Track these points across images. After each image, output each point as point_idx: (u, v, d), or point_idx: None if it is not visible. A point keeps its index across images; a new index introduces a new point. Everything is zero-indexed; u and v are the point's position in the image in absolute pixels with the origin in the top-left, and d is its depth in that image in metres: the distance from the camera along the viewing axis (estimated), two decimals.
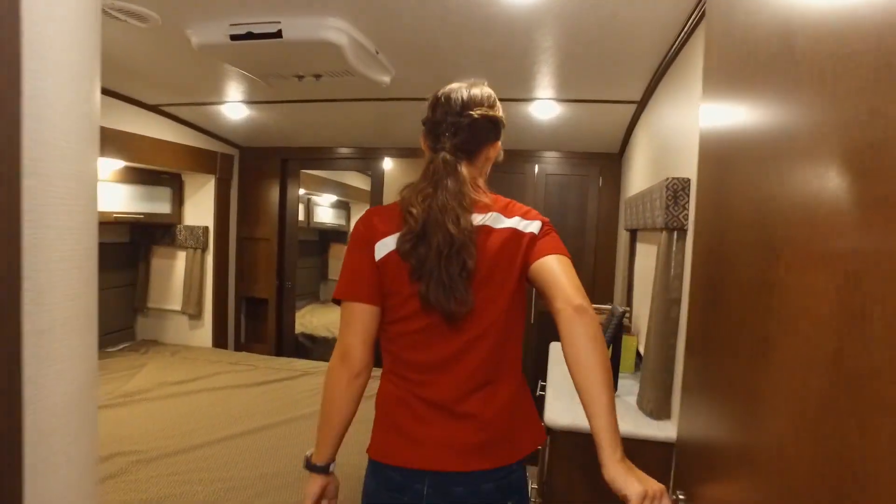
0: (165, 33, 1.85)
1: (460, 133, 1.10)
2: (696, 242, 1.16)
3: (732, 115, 0.88)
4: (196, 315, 3.54)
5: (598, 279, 3.26)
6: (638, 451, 1.50)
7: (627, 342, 2.04)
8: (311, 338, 4.39)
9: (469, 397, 1.07)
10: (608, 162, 3.20)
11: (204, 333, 3.60)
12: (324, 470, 1.13)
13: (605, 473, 0.90)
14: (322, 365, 3.21)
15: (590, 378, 0.95)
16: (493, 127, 1.16)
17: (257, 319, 3.93)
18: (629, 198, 2.33)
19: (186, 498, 1.70)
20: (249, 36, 1.73)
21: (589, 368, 0.96)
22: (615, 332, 1.74)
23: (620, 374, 1.98)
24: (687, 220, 1.46)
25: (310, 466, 1.14)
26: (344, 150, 3.64)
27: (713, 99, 1.00)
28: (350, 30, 1.75)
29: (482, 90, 1.14)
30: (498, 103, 1.17)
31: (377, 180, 3.68)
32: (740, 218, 0.82)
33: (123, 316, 3.57)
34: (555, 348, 2.53)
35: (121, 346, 3.46)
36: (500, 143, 1.20)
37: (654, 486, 0.88)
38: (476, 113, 1.10)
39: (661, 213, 1.52)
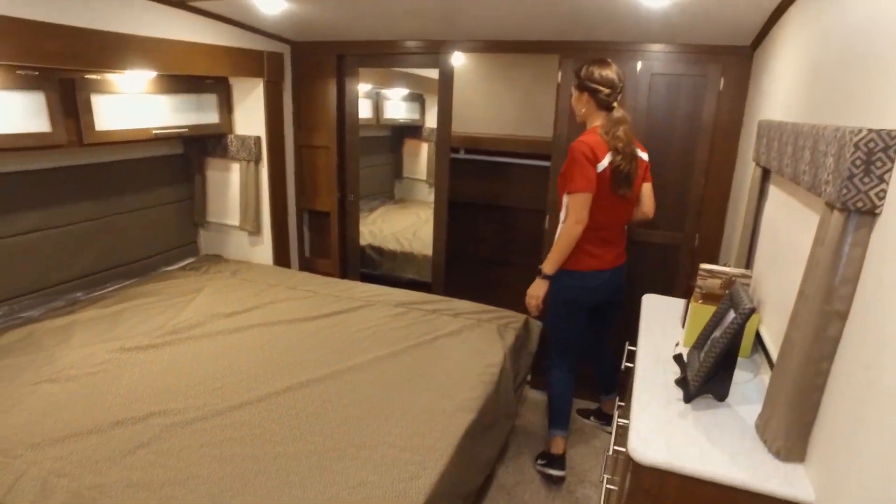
0: None
1: (621, 97, 2.20)
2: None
3: None
4: (255, 232, 3.35)
5: (707, 210, 2.68)
6: None
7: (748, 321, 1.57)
8: (380, 251, 4.15)
9: (620, 236, 2.37)
10: (734, 58, 2.48)
11: (265, 250, 3.43)
12: (549, 277, 2.24)
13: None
14: (384, 292, 2.96)
15: None
16: None
17: (321, 233, 3.70)
18: (767, 121, 1.72)
19: (213, 480, 1.53)
20: None
21: None
22: (732, 339, 1.28)
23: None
24: (882, 199, 0.93)
25: (543, 276, 2.24)
26: (408, 44, 3.11)
27: None
28: None
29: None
30: None
31: (446, 77, 3.15)
32: None
33: (186, 231, 3.45)
34: (649, 302, 2.09)
35: (184, 263, 3.36)
36: None
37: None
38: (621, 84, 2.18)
39: (834, 181, 0.99)
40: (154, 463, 1.60)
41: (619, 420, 1.56)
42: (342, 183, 3.54)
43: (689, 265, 2.77)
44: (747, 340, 1.58)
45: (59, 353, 2.21)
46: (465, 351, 2.32)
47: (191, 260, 3.43)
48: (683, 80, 2.57)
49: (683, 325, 1.79)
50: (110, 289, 2.90)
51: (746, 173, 2.14)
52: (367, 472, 1.58)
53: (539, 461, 2.50)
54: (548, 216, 2.90)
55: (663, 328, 1.84)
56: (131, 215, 3.03)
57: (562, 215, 2.21)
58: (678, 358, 1.47)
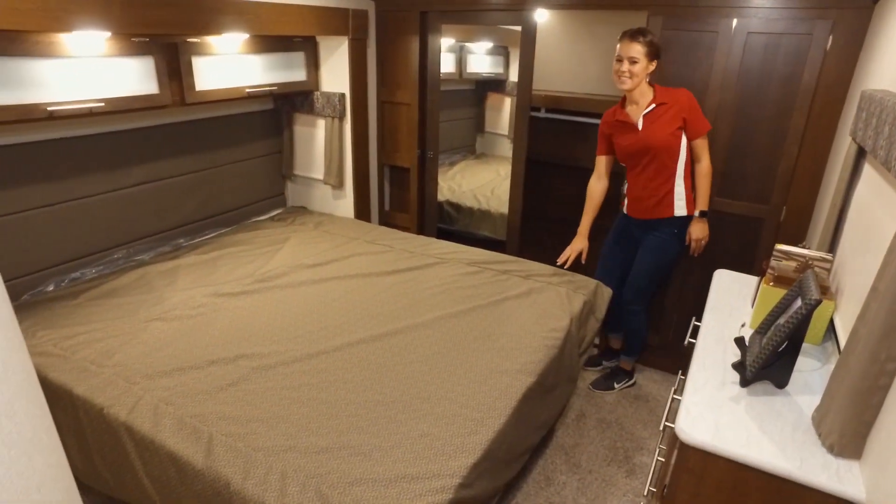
0: None
1: None
2: None
3: None
4: (338, 186, 3.52)
5: (797, 182, 2.52)
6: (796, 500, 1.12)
7: (822, 308, 1.51)
8: (457, 207, 4.23)
9: None
10: (850, 13, 2.25)
11: (346, 203, 3.59)
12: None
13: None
14: (458, 249, 3.05)
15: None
16: None
17: (401, 188, 3.82)
18: (870, 92, 1.59)
19: (291, 420, 1.71)
20: None
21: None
22: (796, 329, 1.25)
23: (804, 345, 1.50)
24: None
25: (706, 216, 2.54)
26: (491, 0, 3.06)
27: None
28: None
29: None
30: None
31: (529, 34, 3.10)
32: None
33: (274, 183, 3.67)
34: (720, 278, 2.04)
35: (272, 213, 3.60)
36: None
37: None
38: None
39: None
40: (242, 400, 1.80)
41: (674, 396, 1.58)
42: (422, 139, 3.61)
43: (771, 240, 2.64)
44: (819, 328, 1.53)
45: (166, 294, 2.48)
46: (531, 314, 2.37)
47: (278, 211, 3.66)
48: (784, 39, 2.38)
49: (752, 307, 1.75)
50: (208, 236, 3.17)
51: (845, 147, 1.99)
52: (428, 425, 1.70)
53: (616, 384, 2.92)
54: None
55: (731, 307, 1.81)
56: (226, 168, 3.27)
57: (681, 162, 2.48)
58: (739, 341, 1.45)
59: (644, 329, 2.82)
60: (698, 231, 2.56)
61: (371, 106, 3.53)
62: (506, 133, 5.72)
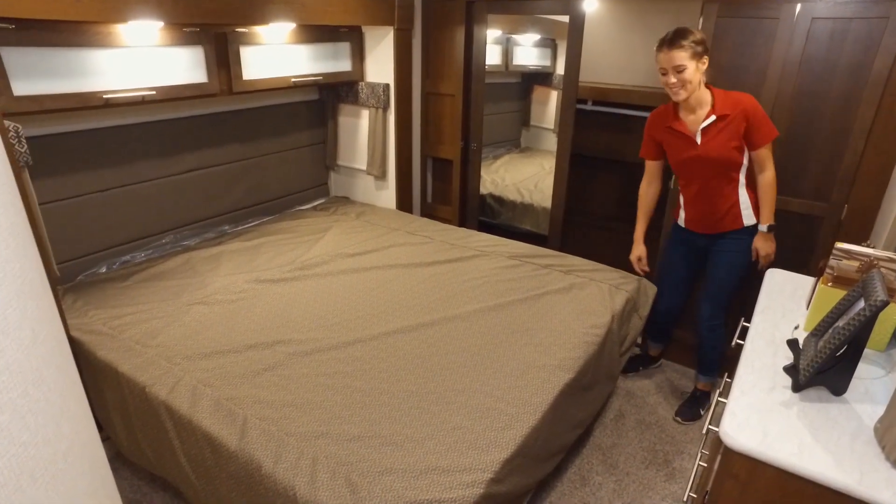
0: None
1: None
2: None
3: None
4: (380, 176, 3.52)
5: (862, 179, 2.36)
6: None
7: (888, 311, 1.41)
8: (500, 200, 4.18)
9: None
10: None
11: (389, 194, 3.60)
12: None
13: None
14: (499, 243, 3.00)
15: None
16: None
17: (444, 180, 3.80)
18: None
19: (325, 407, 1.71)
20: None
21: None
22: (857, 332, 1.16)
23: (866, 351, 1.41)
24: None
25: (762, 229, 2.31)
26: None
27: None
28: None
29: None
30: None
31: (577, 24, 3.02)
32: None
33: (317, 173, 3.71)
34: (773, 278, 1.93)
35: (315, 203, 3.64)
36: None
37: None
38: None
39: None
40: (277, 385, 1.82)
41: (719, 399, 1.50)
42: (466, 131, 3.57)
43: (829, 240, 2.49)
44: (884, 333, 1.42)
45: (209, 279, 2.54)
46: (571, 310, 2.32)
47: (321, 200, 3.70)
48: (854, 24, 2.24)
49: (808, 308, 1.64)
50: (252, 224, 3.23)
51: None
52: (461, 417, 1.68)
53: (702, 411, 2.66)
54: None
55: (784, 308, 1.71)
56: (271, 157, 3.32)
57: (744, 170, 2.29)
58: (792, 343, 1.37)
59: (723, 344, 2.56)
60: (766, 246, 2.33)
61: (415, 97, 3.52)
62: (551, 127, 5.62)
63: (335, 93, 3.49)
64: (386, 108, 3.38)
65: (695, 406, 2.65)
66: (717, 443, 1.28)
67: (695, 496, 1.51)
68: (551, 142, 5.57)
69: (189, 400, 1.74)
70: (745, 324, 1.84)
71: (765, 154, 2.22)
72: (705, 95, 2.20)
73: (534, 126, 5.90)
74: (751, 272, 2.44)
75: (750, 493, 1.17)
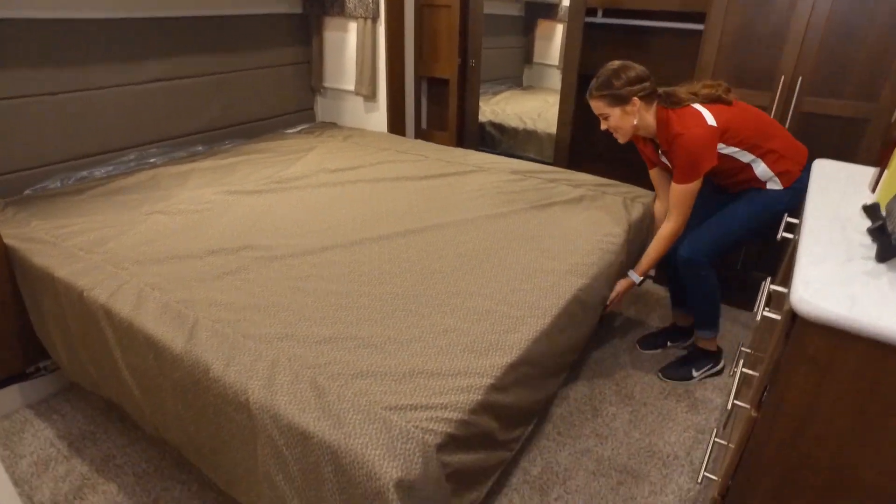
0: None
1: None
2: None
3: None
4: (370, 96, 3.20)
5: None
6: None
7: None
8: (500, 128, 3.86)
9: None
10: None
11: (379, 117, 3.28)
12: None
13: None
14: (500, 161, 2.70)
15: None
16: None
17: (439, 104, 3.47)
18: None
19: (292, 309, 1.44)
20: None
21: None
22: None
23: None
24: None
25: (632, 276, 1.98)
26: None
27: None
28: None
29: None
30: None
31: None
32: None
33: (302, 96, 3.38)
34: (822, 167, 1.63)
35: (299, 128, 3.32)
36: None
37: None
38: None
39: None
40: (239, 288, 1.54)
41: (762, 311, 1.21)
42: (464, 47, 3.23)
43: (877, 144, 2.18)
44: None
45: (175, 192, 2.24)
46: (583, 219, 2.03)
47: (307, 125, 3.38)
48: None
49: (874, 190, 1.35)
50: (228, 146, 2.92)
51: None
52: (456, 320, 1.40)
53: (695, 372, 2.17)
54: None
55: (842, 191, 1.41)
56: (249, 74, 2.99)
57: (745, 156, 1.88)
58: (871, 208, 1.08)
59: (717, 291, 2.03)
60: (620, 285, 1.97)
61: (408, 9, 3.17)
62: (556, 64, 5.26)
63: (320, 4, 3.14)
64: (375, 18, 3.03)
65: (687, 365, 2.19)
66: (782, 325, 1.00)
67: (735, 405, 1.24)
68: (556, 79, 5.19)
69: (133, 303, 1.46)
70: (789, 219, 1.55)
71: (677, 195, 1.85)
72: (653, 128, 1.88)
73: (537, 63, 5.51)
74: (756, 233, 1.97)
75: (830, 383, 0.89)
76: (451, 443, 1.10)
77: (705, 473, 1.36)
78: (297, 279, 1.59)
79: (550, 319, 1.44)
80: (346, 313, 1.42)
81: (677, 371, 2.18)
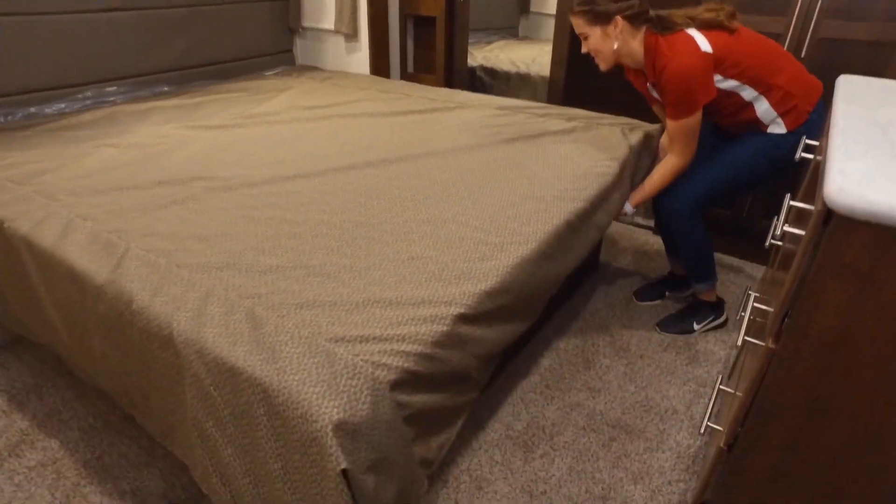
0: None
1: None
2: None
3: None
4: (351, 35, 2.96)
5: None
6: None
7: None
8: (492, 72, 3.63)
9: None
10: None
11: (362, 58, 3.05)
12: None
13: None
14: (489, 98, 2.48)
15: None
16: None
17: (426, 46, 3.23)
18: None
19: (240, 239, 1.25)
20: None
21: None
22: None
23: None
24: None
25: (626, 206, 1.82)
26: None
27: None
28: None
29: None
30: None
31: None
32: None
33: (279, 37, 3.14)
34: (848, 82, 1.43)
35: (277, 70, 3.09)
36: None
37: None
38: None
39: None
40: (184, 219, 1.36)
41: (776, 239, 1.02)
42: None
43: None
44: None
45: (132, 128, 2.05)
46: (576, 147, 1.83)
47: (285, 68, 3.15)
48: None
49: None
50: (197, 86, 2.70)
51: None
52: (423, 247, 1.22)
53: (697, 325, 2.00)
54: None
55: (876, 100, 1.21)
56: (220, 8, 2.74)
57: (746, 91, 1.65)
58: None
59: (708, 242, 1.86)
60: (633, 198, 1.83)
61: None
62: (554, 13, 4.99)
63: None
64: None
65: (687, 318, 2.01)
66: (811, 231, 0.82)
67: (747, 342, 1.07)
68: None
69: (58, 234, 1.28)
70: (808, 140, 1.36)
71: (674, 131, 1.67)
72: (639, 55, 1.67)
73: (534, 13, 5.22)
74: (750, 183, 1.78)
75: (872, 299, 0.71)
76: (411, 380, 0.92)
77: (709, 423, 1.19)
78: (249, 208, 1.40)
79: (535, 245, 1.25)
80: (300, 242, 1.24)
81: (677, 325, 2.01)
